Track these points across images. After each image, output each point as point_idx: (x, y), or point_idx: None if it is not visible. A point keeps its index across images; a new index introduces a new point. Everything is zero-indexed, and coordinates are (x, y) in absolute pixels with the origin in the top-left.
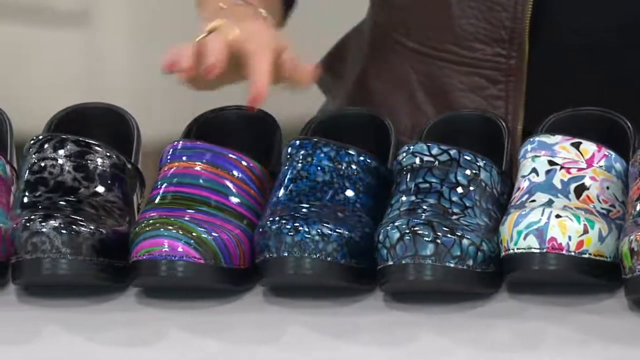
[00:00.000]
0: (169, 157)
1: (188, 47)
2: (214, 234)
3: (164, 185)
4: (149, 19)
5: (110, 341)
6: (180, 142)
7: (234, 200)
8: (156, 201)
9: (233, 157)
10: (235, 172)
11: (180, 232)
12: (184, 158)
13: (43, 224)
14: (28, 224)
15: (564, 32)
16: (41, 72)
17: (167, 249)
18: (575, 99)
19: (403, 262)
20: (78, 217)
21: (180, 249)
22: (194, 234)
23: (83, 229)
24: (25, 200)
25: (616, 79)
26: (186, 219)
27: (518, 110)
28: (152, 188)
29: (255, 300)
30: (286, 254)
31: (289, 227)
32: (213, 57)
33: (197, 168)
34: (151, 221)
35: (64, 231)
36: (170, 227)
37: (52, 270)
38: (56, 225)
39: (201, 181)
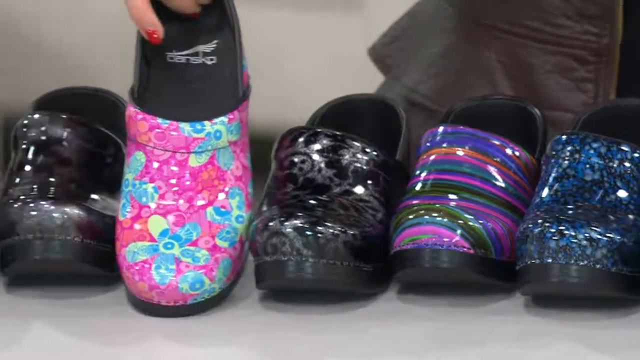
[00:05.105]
0: (428, 143)
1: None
2: (484, 222)
3: (423, 173)
4: None
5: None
6: (441, 127)
7: (501, 187)
8: (416, 189)
9: (497, 142)
10: (499, 158)
11: (447, 219)
12: (444, 144)
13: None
14: (269, 224)
15: None
16: (311, 59)
17: (432, 237)
18: None
19: None
20: (323, 217)
21: (446, 238)
22: (460, 220)
23: (328, 230)
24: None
25: None
26: (452, 204)
27: (609, 94)
28: (410, 177)
29: (514, 306)
30: (550, 261)
31: (553, 230)
32: None
33: (459, 154)
34: (414, 208)
35: (308, 232)
36: (436, 214)
37: (296, 274)
38: (299, 225)
39: (464, 168)
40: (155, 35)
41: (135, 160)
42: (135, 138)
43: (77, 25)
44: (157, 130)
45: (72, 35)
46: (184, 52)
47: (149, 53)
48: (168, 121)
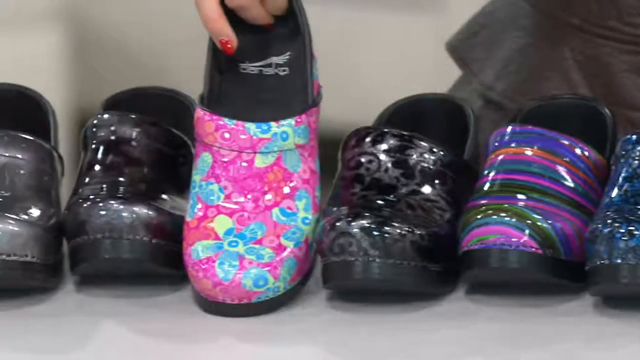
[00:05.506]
0: (496, 143)
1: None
2: (553, 222)
3: (492, 173)
4: None
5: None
6: (509, 127)
7: (570, 187)
8: (484, 189)
9: (566, 142)
10: (568, 158)
11: (515, 219)
12: (513, 144)
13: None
14: (337, 224)
15: None
16: (383, 59)
17: (500, 237)
18: None
19: None
20: (390, 217)
21: (515, 238)
22: (529, 220)
23: (395, 230)
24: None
25: None
26: (520, 204)
27: None
28: (479, 177)
29: (584, 307)
30: (619, 261)
31: (622, 231)
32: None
33: (528, 153)
34: (482, 208)
35: (375, 232)
36: (504, 214)
37: (363, 274)
38: (366, 225)
39: (533, 167)
40: (229, 46)
41: (202, 161)
42: (202, 139)
43: (155, 27)
44: (223, 130)
45: (150, 37)
46: (257, 64)
47: (222, 62)
48: (234, 121)
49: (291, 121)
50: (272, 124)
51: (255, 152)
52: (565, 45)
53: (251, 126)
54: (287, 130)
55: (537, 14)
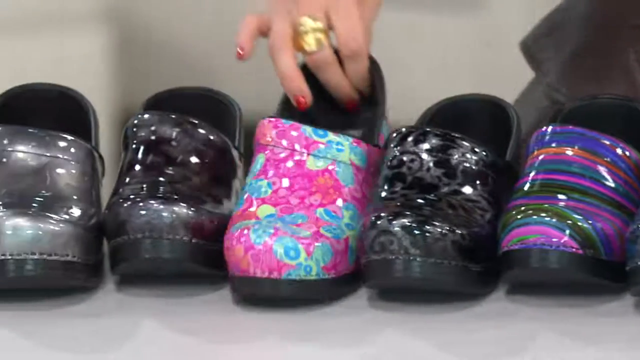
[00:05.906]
0: (536, 143)
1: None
2: (594, 222)
3: (532, 173)
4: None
5: None
6: (550, 127)
7: (611, 187)
8: (524, 189)
9: (607, 142)
10: (609, 158)
11: (555, 220)
12: (553, 144)
13: (394, 222)
14: (378, 222)
15: None
16: (428, 60)
17: (541, 237)
18: None
19: None
20: (431, 216)
21: (555, 238)
22: (569, 221)
23: (436, 229)
24: (383, 195)
25: None
26: (561, 205)
27: None
28: (519, 177)
29: (624, 307)
30: None
31: None
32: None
33: (569, 153)
34: (522, 208)
35: (416, 231)
36: (544, 214)
37: (403, 273)
38: (407, 224)
39: (573, 167)
40: (303, 100)
41: (256, 163)
42: (259, 141)
43: (200, 27)
44: (279, 128)
45: (196, 37)
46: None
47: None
48: (290, 121)
49: (349, 137)
50: (330, 132)
51: (308, 154)
52: (631, 47)
53: (307, 128)
54: (343, 142)
55: (603, 14)
